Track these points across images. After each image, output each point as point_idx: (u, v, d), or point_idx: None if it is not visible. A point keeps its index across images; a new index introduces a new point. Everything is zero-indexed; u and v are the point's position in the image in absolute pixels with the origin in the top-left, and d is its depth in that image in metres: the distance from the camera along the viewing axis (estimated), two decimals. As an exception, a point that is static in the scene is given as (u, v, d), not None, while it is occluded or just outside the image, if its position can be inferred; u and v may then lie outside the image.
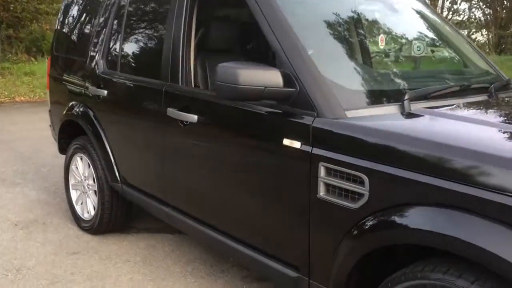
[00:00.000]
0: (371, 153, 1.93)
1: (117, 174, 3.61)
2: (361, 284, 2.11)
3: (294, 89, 2.23)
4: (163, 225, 3.86)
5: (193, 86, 2.98)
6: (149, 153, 3.21)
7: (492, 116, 2.40)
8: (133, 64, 3.62)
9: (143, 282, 3.22)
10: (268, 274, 2.49)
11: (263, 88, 2.19)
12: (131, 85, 3.40)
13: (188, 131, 2.79)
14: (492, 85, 2.66)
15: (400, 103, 2.23)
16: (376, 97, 2.35)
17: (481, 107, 2.48)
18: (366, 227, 1.94)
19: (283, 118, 2.27)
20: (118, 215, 3.88)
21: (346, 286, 2.08)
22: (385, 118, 2.14)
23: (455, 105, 2.38)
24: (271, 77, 2.21)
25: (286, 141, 2.22)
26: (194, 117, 2.72)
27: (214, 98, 2.62)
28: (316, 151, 2.11)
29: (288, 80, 2.23)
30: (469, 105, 2.43)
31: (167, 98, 2.96)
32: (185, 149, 2.88)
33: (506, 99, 2.66)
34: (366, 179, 1.93)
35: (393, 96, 2.32)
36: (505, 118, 2.32)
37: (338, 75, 2.35)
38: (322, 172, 2.09)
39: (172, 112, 2.88)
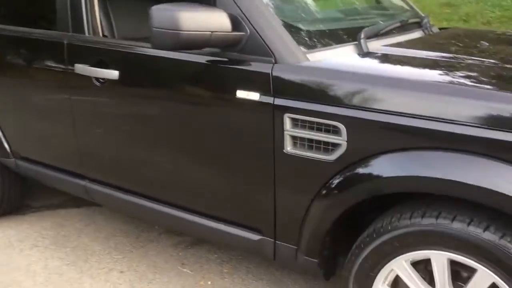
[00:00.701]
0: (347, 98, 1.77)
1: (7, 147, 3.03)
2: (338, 241, 2.01)
3: (244, 33, 1.95)
4: (63, 199, 3.43)
5: (101, 35, 2.53)
6: (51, 120, 2.71)
7: (449, 51, 2.35)
8: (17, 13, 2.99)
9: (61, 268, 2.80)
10: (227, 241, 2.28)
11: (210, 33, 1.88)
12: (17, 39, 2.81)
13: (107, 90, 2.38)
14: (423, 21, 2.65)
15: (356, 42, 2.08)
16: (332, 37, 2.17)
17: (432, 43, 2.45)
18: (345, 180, 1.80)
19: (233, 67, 2.00)
20: (12, 194, 3.32)
21: (322, 245, 1.96)
22: (352, 59, 1.98)
23: (406, 42, 2.31)
24: (218, 20, 1.91)
25: (241, 94, 1.96)
26: (114, 73, 2.31)
27: (142, 49, 2.24)
28: (279, 101, 1.89)
29: (236, 23, 1.95)
30: (418, 41, 2.39)
31: (72, 52, 2.48)
32: (105, 112, 2.46)
33: (443, 33, 2.68)
34: (342, 127, 1.77)
35: (348, 35, 2.16)
36: (462, 52, 2.31)
37: (292, 14, 2.12)
38: (288, 124, 1.88)
39: (82, 68, 2.42)
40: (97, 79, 2.38)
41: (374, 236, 1.79)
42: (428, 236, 1.67)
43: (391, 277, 1.84)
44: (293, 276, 2.65)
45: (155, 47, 1.94)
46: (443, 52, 2.17)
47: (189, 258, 2.86)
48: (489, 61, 2.03)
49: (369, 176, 1.75)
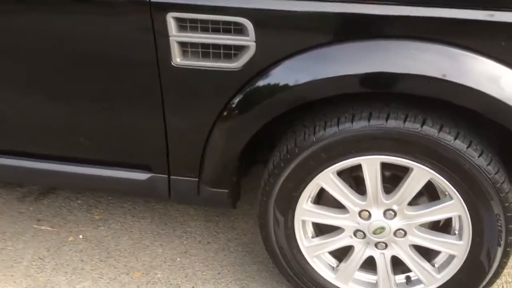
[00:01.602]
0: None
1: None
2: (245, 162, 1.70)
3: None
4: None
5: None
6: None
7: None
8: None
9: None
10: (110, 189, 1.81)
11: None
12: None
13: None
14: None
15: None
16: None
17: None
18: (257, 92, 1.47)
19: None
20: None
21: (231, 172, 1.64)
22: None
23: None
24: None
25: (101, -9, 1.43)
26: None
27: None
28: (158, -3, 1.42)
29: None
30: None
31: None
32: None
33: None
34: (249, 24, 1.39)
35: None
36: None
37: None
38: (173, 27, 1.43)
39: None
40: None
41: (297, 151, 1.52)
42: (360, 141, 1.46)
43: (314, 193, 1.62)
44: (177, 207, 2.32)
45: None
46: None
47: (44, 212, 2.31)
48: None
49: (289, 83, 1.43)
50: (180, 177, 1.70)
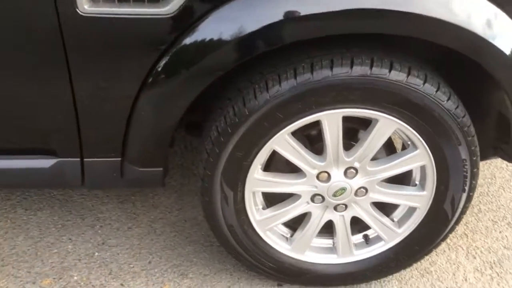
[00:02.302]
0: None
1: None
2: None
3: None
4: None
5: None
6: None
7: None
8: None
9: None
10: (8, 183, 1.39)
11: None
12: None
13: None
14: None
15: None
16: None
17: None
18: (199, 44, 1.16)
19: None
20: None
21: (165, 148, 1.34)
22: None
23: None
24: None
25: None
26: None
27: None
28: None
29: None
30: None
31: None
32: None
33: None
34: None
35: None
36: None
37: None
38: (76, -39, 1.06)
39: None
40: None
41: (247, 112, 1.27)
42: (322, 94, 1.25)
43: (265, 159, 1.40)
44: (81, 190, 1.94)
45: None
46: None
47: None
48: None
49: (240, 32, 1.15)
50: (96, 159, 1.35)
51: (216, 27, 1.16)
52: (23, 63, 1.19)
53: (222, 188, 1.38)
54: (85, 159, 1.35)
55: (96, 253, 1.71)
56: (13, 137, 1.32)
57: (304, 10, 1.16)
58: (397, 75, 1.24)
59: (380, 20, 1.20)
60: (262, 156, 1.35)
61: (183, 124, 1.61)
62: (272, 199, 1.51)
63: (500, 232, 1.85)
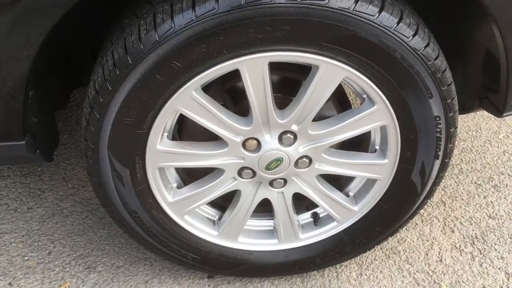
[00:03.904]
0: None
1: None
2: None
3: None
4: None
5: None
6: None
7: None
8: None
9: None
10: None
11: None
12: None
13: None
14: None
15: None
16: None
17: None
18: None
19: None
20: None
21: (23, 115, 0.97)
22: None
23: None
24: None
25: None
26: None
27: None
28: None
29: None
30: None
31: None
32: None
33: None
34: None
35: None
36: None
37: None
38: None
39: None
40: None
41: (130, 61, 0.89)
42: (235, 32, 0.87)
43: (171, 124, 1.04)
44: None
45: None
46: None
47: None
48: None
49: None
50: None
51: None
52: None
53: (113, 166, 1.02)
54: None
55: (-17, 243, 1.37)
56: None
57: None
58: (341, 1, 0.86)
59: None
60: (163, 120, 0.99)
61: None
62: (193, 173, 1.16)
63: (484, 197, 1.53)
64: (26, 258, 1.34)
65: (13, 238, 1.38)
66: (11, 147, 0.98)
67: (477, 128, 1.79)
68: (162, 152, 1.04)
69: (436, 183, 1.14)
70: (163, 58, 0.89)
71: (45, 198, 1.49)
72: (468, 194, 1.54)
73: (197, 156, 1.06)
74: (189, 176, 1.17)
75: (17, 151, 1.00)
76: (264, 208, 1.21)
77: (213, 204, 1.21)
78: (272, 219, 1.23)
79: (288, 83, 1.07)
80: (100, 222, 1.43)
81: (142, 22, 0.89)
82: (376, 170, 1.12)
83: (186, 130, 1.08)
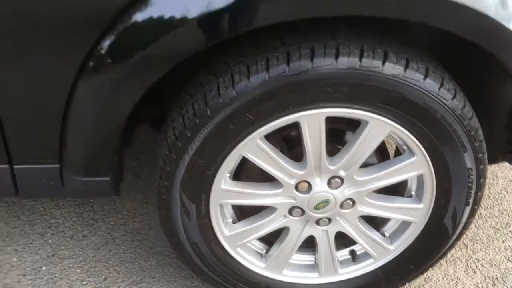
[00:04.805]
0: None
1: None
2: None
3: None
4: None
5: None
6: None
7: None
8: None
9: None
10: None
11: None
12: None
13: None
14: None
15: None
16: None
17: None
18: (156, 19, 0.93)
19: None
20: None
21: (113, 152, 1.11)
22: None
23: None
24: None
25: None
26: None
27: None
28: None
29: None
30: None
31: None
32: None
33: None
34: None
35: None
36: None
37: None
38: None
39: None
40: None
41: (209, 113, 1.04)
42: (300, 91, 1.02)
43: (234, 166, 1.17)
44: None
45: None
46: None
47: None
48: None
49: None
50: (29, 166, 1.13)
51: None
52: None
53: (182, 201, 1.16)
54: (15, 166, 1.12)
55: (44, 267, 1.49)
56: None
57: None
58: (392, 68, 1.01)
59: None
60: (230, 163, 1.13)
61: (147, 117, 1.40)
62: (245, 210, 1.29)
63: (503, 241, 1.65)
64: (84, 282, 1.46)
65: (72, 264, 1.50)
66: (99, 182, 1.12)
67: (493, 176, 1.92)
68: (225, 191, 1.17)
69: (465, 227, 1.26)
70: (237, 111, 1.03)
71: (98, 227, 1.62)
72: (487, 238, 1.66)
73: (255, 195, 1.20)
74: (241, 213, 1.30)
75: (102, 186, 1.14)
76: (307, 244, 1.33)
77: (261, 238, 1.33)
78: (314, 254, 1.35)
79: (335, 133, 1.21)
80: (150, 251, 1.56)
81: (221, 80, 1.04)
82: (412, 214, 1.26)
83: (245, 172, 1.21)
